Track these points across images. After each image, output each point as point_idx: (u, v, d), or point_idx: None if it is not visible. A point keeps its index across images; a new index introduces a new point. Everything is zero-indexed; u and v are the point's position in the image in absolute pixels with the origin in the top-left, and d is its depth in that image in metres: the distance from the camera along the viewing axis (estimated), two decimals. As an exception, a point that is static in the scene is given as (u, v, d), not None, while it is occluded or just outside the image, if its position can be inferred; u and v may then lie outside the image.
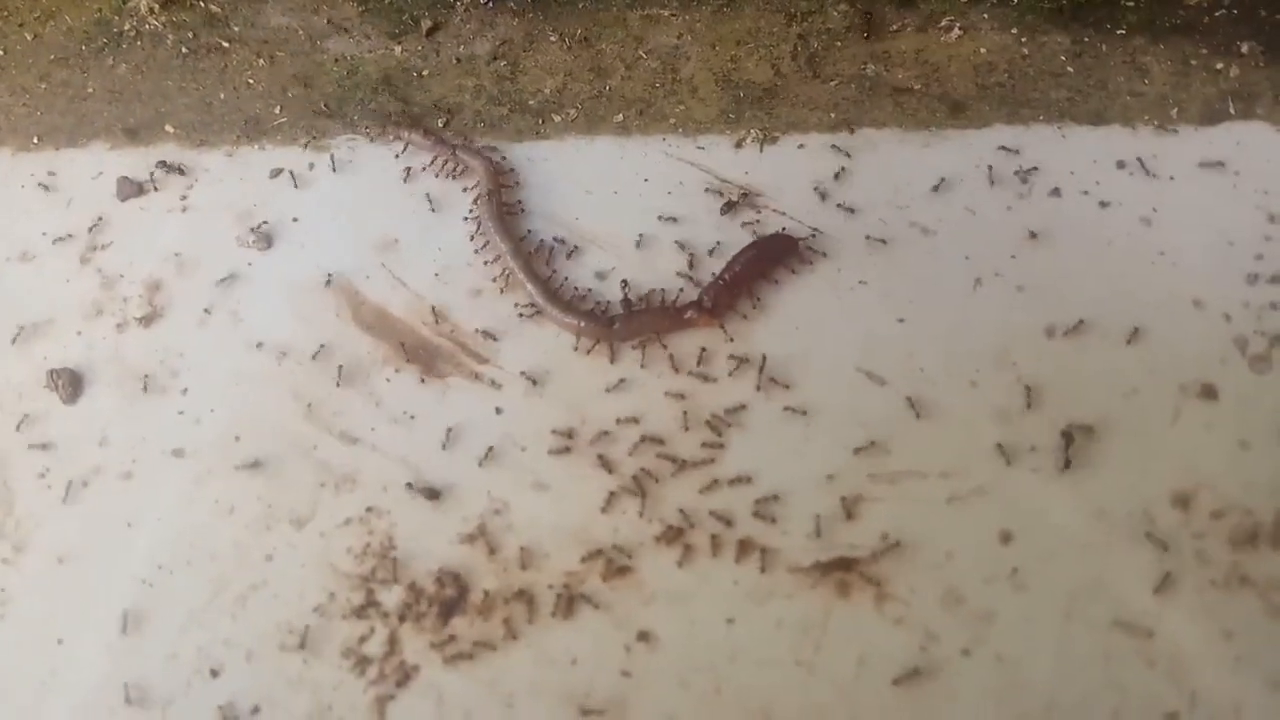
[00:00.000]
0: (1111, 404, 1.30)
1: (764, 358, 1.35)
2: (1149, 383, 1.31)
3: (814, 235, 1.43)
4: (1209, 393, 1.30)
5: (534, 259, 1.44)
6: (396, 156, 1.54)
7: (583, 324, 1.38)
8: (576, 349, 1.38)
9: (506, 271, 1.43)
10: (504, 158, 1.53)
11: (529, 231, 1.47)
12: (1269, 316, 1.33)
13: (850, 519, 1.26)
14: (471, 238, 1.47)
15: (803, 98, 1.54)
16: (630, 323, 1.38)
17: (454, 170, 1.52)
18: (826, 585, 1.22)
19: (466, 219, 1.48)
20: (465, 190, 1.51)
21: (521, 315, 1.41)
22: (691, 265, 1.43)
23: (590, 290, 1.42)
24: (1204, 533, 1.23)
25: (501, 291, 1.43)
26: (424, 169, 1.53)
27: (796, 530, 1.26)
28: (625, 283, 1.43)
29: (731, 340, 1.37)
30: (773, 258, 1.41)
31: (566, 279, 1.43)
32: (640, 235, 1.45)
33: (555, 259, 1.45)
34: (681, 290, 1.41)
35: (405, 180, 1.53)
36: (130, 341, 1.44)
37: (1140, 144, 1.46)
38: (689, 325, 1.38)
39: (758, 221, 1.45)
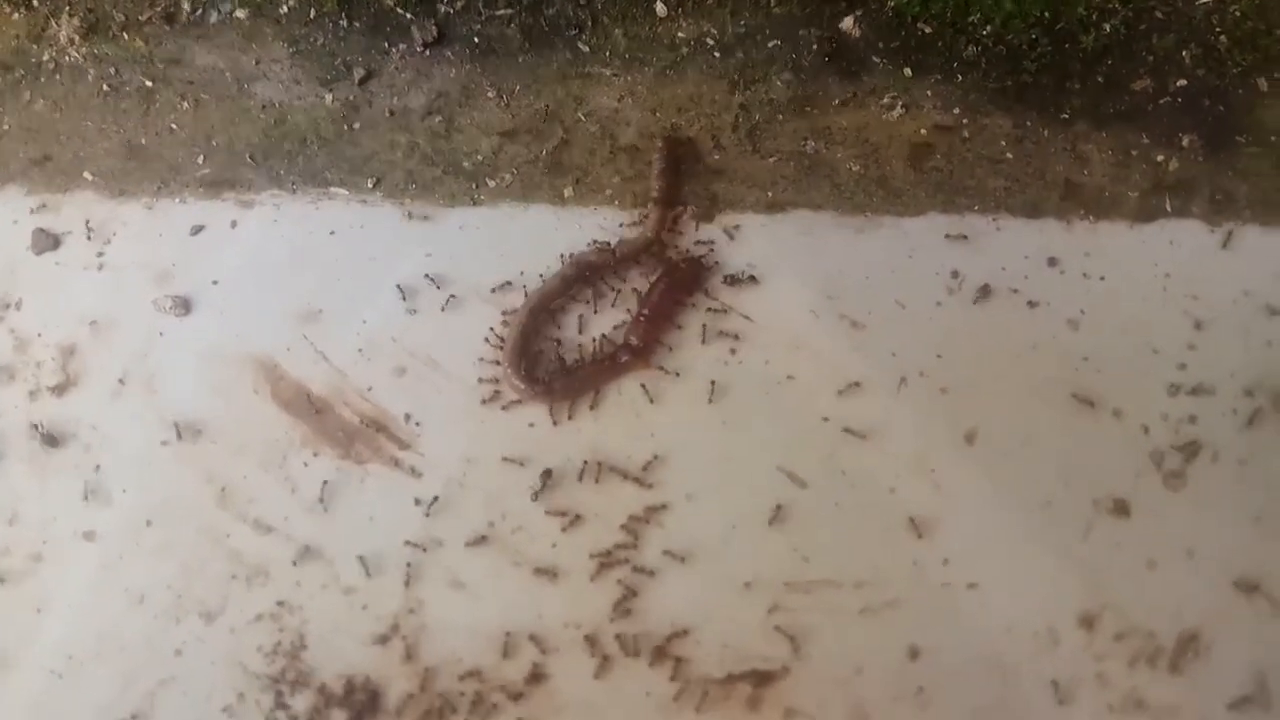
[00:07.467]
0: (1026, 516, 1.31)
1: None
2: (1064, 495, 1.32)
3: (748, 321, 1.42)
4: (1121, 509, 1.31)
5: (539, 319, 1.41)
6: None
7: (524, 387, 1.36)
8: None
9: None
10: (703, 259, 1.44)
11: (584, 305, 1.43)
12: (1186, 430, 1.35)
13: (765, 628, 1.27)
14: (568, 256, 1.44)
15: (741, 174, 1.51)
16: (571, 380, 1.38)
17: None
18: (738, 698, 1.24)
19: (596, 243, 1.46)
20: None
21: (487, 341, 1.40)
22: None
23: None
24: (1106, 655, 1.25)
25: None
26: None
27: (711, 640, 1.26)
28: (559, 341, 1.42)
29: (677, 375, 1.38)
30: (685, 285, 1.42)
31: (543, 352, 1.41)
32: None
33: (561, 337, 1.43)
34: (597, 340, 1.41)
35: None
36: (43, 410, 1.40)
37: (1074, 240, 1.45)
38: (626, 370, 1.39)
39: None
